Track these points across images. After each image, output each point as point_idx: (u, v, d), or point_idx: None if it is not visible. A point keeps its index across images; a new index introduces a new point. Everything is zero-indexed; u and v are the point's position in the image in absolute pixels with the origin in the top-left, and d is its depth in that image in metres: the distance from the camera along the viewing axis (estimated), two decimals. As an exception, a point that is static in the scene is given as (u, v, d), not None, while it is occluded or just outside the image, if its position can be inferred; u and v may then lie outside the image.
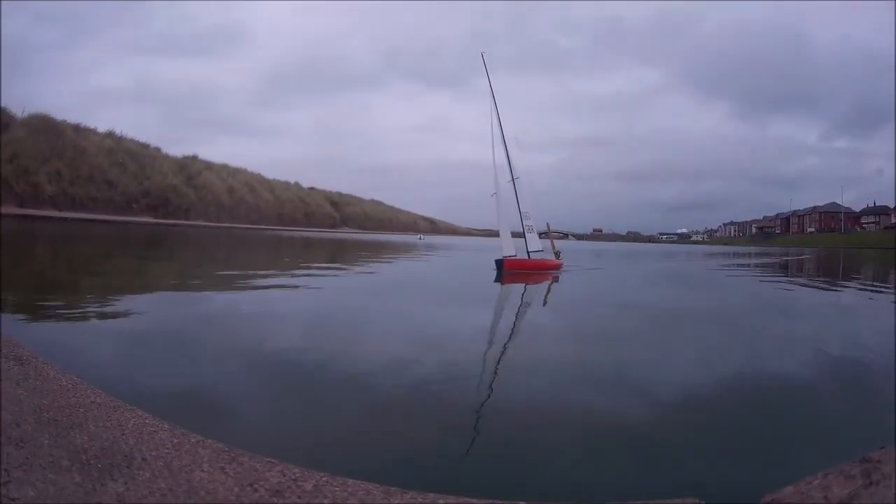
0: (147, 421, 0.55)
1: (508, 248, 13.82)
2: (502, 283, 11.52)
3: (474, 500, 1.29)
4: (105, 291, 6.95)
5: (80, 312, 5.41)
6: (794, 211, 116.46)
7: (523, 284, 11.33)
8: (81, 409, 0.63)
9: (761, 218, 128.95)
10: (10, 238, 18.49)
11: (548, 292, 10.68)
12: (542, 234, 15.46)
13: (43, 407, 0.67)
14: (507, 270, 13.07)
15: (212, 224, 60.37)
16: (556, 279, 12.87)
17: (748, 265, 24.37)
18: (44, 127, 56.44)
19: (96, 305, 5.89)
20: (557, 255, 15.14)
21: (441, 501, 1.05)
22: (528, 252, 14.47)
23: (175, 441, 0.51)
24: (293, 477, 0.51)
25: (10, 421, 0.56)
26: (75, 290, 7.26)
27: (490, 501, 1.33)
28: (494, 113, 14.60)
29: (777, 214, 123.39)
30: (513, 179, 14.63)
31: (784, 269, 21.77)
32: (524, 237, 14.78)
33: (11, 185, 48.14)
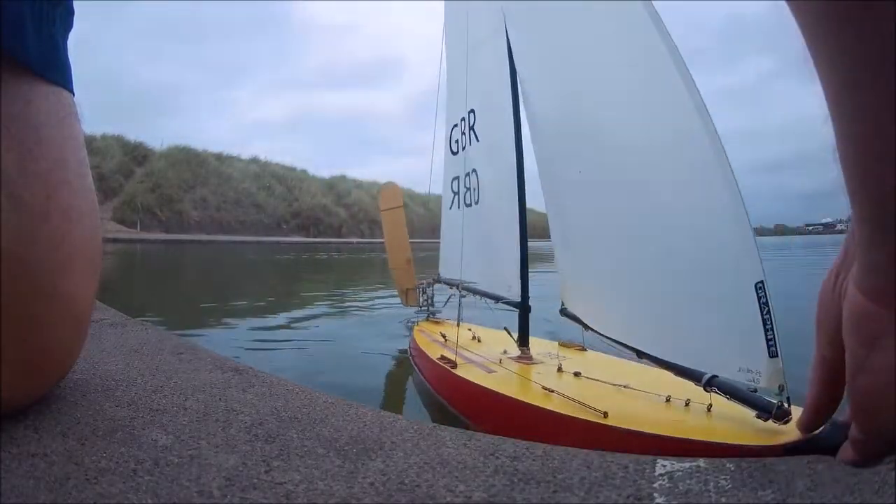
0: (383, 415, 0.51)
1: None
2: None
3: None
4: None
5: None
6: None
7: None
8: (318, 409, 0.58)
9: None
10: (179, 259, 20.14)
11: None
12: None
13: (279, 408, 0.62)
14: None
15: (365, 240, 54.99)
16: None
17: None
18: (184, 157, 55.56)
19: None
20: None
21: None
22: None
23: (415, 427, 0.46)
24: (525, 447, 0.50)
25: (253, 422, 0.52)
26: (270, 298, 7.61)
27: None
28: None
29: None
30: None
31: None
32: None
33: (156, 213, 47.82)
